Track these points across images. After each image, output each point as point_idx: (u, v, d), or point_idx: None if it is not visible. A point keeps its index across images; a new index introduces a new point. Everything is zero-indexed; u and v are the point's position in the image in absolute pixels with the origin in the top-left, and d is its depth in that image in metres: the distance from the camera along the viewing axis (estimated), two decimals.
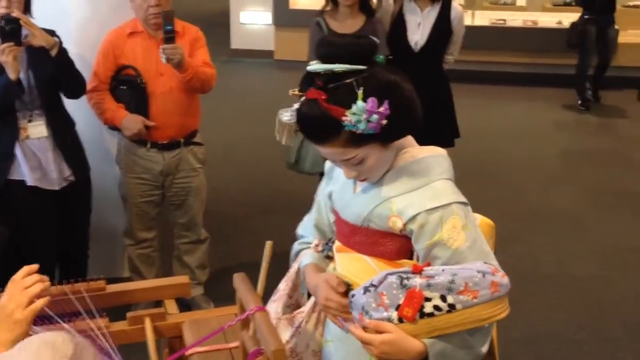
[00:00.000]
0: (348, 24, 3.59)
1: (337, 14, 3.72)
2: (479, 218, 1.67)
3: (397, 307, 1.39)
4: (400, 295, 1.39)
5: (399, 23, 3.82)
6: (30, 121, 2.77)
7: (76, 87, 2.91)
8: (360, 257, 1.57)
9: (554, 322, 3.41)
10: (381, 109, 1.37)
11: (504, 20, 8.12)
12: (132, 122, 3.03)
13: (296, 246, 1.78)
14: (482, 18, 8.18)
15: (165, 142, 3.14)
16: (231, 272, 1.72)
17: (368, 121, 1.36)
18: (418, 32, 3.81)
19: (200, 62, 3.10)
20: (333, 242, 1.68)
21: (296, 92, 1.46)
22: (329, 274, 1.61)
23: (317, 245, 1.70)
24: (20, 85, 2.65)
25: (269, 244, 1.61)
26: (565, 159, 5.68)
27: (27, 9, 2.75)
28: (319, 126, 1.41)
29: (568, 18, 8.02)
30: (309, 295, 1.73)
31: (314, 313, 1.70)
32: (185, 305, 3.16)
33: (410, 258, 1.54)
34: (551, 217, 4.58)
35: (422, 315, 1.38)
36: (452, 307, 1.38)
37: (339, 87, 1.38)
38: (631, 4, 8.45)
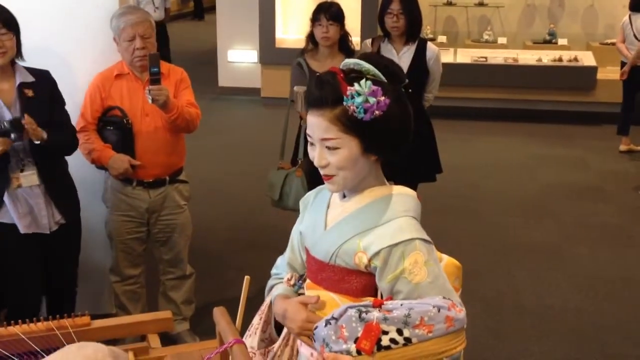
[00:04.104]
0: (328, 63, 3.68)
1: (317, 55, 3.85)
2: (445, 258, 1.73)
3: (356, 340, 1.43)
4: (359, 328, 1.43)
5: None
6: (22, 170, 2.79)
7: (68, 150, 2.97)
8: (327, 294, 1.63)
9: (533, 353, 3.47)
10: (381, 99, 1.48)
11: (485, 57, 8.32)
12: (119, 162, 3.10)
13: (270, 281, 1.83)
14: (464, 56, 8.38)
15: (151, 180, 3.21)
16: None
17: (366, 100, 1.47)
18: None
19: (185, 102, 3.18)
20: (304, 280, 1.74)
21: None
22: (302, 296, 1.66)
23: (289, 280, 1.75)
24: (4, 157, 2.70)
25: (247, 279, 1.67)
26: (544, 193, 5.79)
27: (18, 52, 2.80)
28: (324, 90, 1.51)
29: (547, 55, 8.25)
30: (277, 329, 1.78)
31: (287, 347, 1.74)
32: (171, 340, 3.20)
33: (375, 295, 1.59)
34: (530, 250, 4.67)
35: (380, 348, 1.42)
36: (408, 340, 1.43)
37: (357, 76, 1.51)
38: (608, 41, 8.71)
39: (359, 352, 1.43)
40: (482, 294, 4.01)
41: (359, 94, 1.47)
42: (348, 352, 1.43)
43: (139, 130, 3.12)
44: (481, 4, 9.43)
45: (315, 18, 3.80)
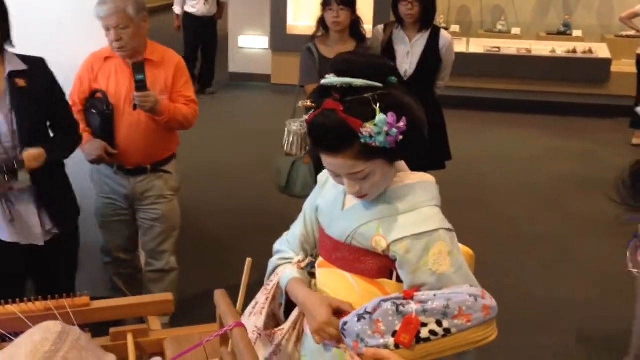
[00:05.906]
0: (339, 49, 3.61)
1: (327, 40, 3.80)
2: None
3: (394, 334, 1.40)
4: (397, 321, 1.41)
5: (388, 52, 3.89)
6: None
7: (70, 154, 2.78)
8: (340, 273, 1.60)
9: (540, 346, 3.44)
10: (400, 124, 1.40)
11: (499, 48, 8.23)
12: (92, 148, 3.00)
13: (274, 261, 1.77)
14: (477, 45, 8.29)
15: (131, 167, 3.13)
16: None
17: (387, 134, 1.39)
18: (407, 60, 3.88)
19: (183, 99, 3.09)
20: (316, 259, 1.70)
21: (307, 104, 1.48)
22: (334, 298, 1.60)
23: (300, 262, 1.71)
24: None
25: (248, 261, 1.64)
26: (554, 186, 5.73)
27: (6, 38, 2.53)
28: (334, 136, 1.42)
29: (561, 47, 8.15)
30: (286, 311, 1.74)
31: (294, 331, 1.70)
32: None
33: (390, 277, 1.56)
34: (539, 242, 4.63)
35: (419, 340, 1.40)
36: (447, 331, 1.41)
37: (357, 100, 1.41)
38: (623, 34, 8.60)
39: (397, 346, 1.40)
40: (488, 284, 3.93)
41: (379, 133, 1.39)
42: (386, 346, 1.40)
43: (120, 116, 3.02)
44: None
45: (326, 3, 3.75)
